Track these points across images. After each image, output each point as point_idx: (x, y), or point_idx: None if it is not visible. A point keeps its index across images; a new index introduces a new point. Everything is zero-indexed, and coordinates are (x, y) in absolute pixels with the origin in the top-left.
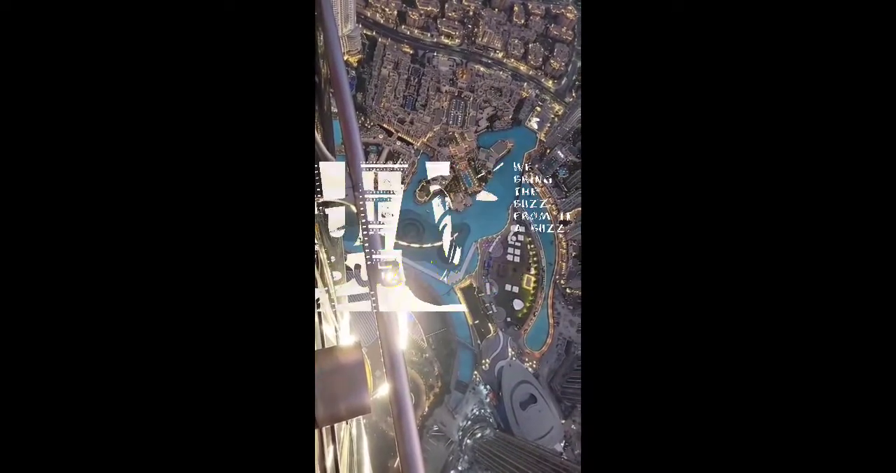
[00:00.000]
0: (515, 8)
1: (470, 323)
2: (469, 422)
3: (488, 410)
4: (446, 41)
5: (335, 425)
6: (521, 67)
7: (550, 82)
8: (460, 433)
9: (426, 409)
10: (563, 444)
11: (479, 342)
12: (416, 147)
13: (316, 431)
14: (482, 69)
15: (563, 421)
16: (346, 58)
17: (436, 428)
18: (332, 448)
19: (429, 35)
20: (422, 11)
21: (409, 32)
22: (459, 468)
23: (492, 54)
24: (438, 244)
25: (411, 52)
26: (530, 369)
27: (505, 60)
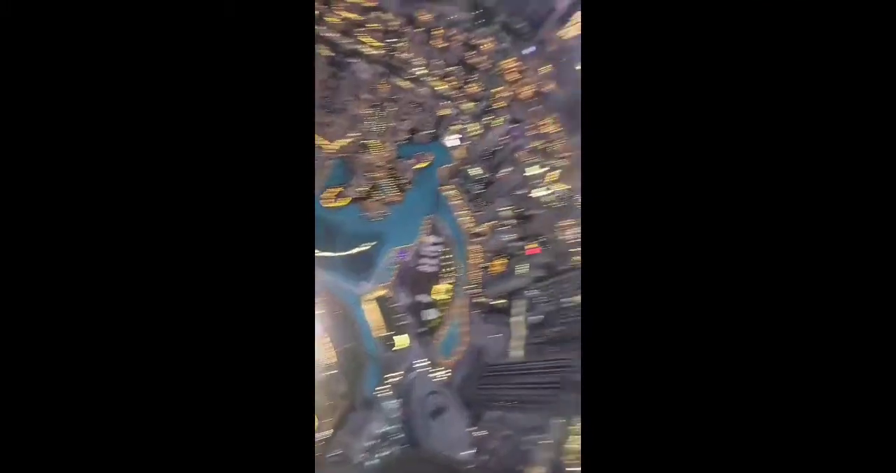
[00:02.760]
0: (438, 32)
1: (380, 334)
2: (376, 441)
3: (396, 425)
4: (367, 50)
5: None
6: (442, 86)
7: (471, 104)
8: (363, 454)
9: (330, 431)
10: (473, 451)
11: (389, 353)
12: (332, 151)
13: None
14: (403, 83)
15: (473, 429)
16: None
17: (337, 453)
18: None
19: (349, 40)
20: (342, 17)
21: (326, 35)
22: None
23: (414, 71)
24: (352, 252)
25: (331, 54)
26: (440, 378)
27: (426, 79)
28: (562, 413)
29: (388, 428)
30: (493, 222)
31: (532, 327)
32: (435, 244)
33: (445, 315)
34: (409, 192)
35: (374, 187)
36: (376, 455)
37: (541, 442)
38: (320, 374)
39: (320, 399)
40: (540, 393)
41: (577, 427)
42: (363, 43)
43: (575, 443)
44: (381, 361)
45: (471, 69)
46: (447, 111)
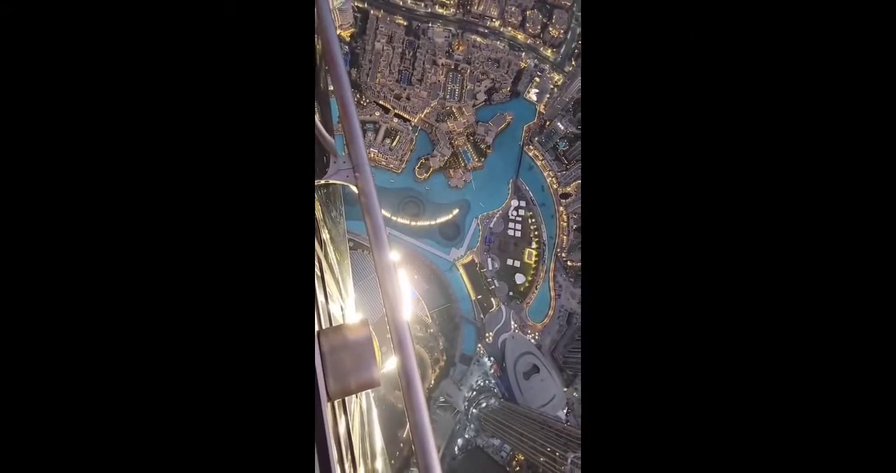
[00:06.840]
0: None
1: (473, 298)
2: (474, 393)
3: (492, 381)
4: (441, 11)
5: (346, 398)
6: (519, 36)
7: (549, 51)
8: (466, 403)
9: (433, 382)
10: (565, 411)
11: (482, 316)
12: (413, 123)
13: (328, 404)
14: (479, 39)
15: (566, 390)
16: (338, 32)
17: (442, 399)
18: (343, 419)
19: (422, 5)
20: None
21: (401, 3)
22: (466, 435)
23: (488, 23)
24: (440, 221)
25: (405, 23)
26: (532, 340)
27: (502, 29)
28: None
29: (486, 383)
30: (579, 181)
31: None
32: (518, 208)
33: (534, 279)
34: (490, 156)
35: (455, 155)
36: (476, 406)
37: None
38: (418, 333)
39: (422, 354)
40: None
41: None
42: (435, 2)
43: None
44: (474, 322)
45: (550, 9)
46: (524, 63)
